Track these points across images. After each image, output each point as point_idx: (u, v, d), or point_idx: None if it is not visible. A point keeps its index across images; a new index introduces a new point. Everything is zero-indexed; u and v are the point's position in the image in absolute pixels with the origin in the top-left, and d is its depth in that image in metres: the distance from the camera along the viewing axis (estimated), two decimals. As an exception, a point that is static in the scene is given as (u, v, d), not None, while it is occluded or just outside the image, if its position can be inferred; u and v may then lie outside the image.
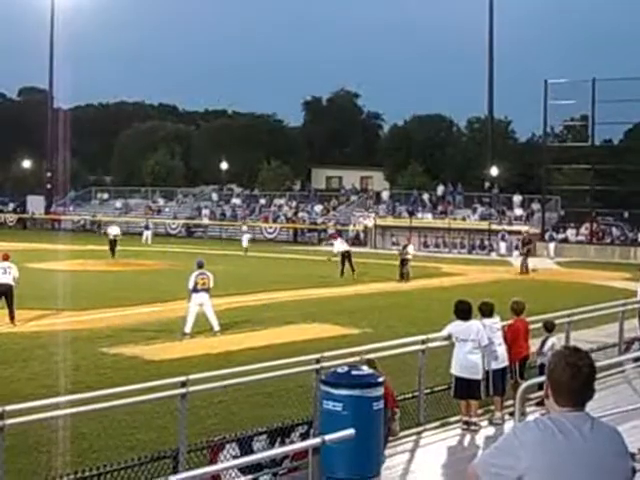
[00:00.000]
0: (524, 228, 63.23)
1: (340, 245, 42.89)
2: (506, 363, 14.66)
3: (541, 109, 65.33)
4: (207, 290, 23.48)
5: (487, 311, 14.77)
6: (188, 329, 22.92)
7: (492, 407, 14.70)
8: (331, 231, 69.09)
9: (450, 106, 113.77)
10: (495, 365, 14.44)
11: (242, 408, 14.61)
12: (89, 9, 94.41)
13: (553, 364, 4.46)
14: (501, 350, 14.60)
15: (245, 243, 58.02)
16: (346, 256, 41.35)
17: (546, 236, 61.28)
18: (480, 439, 13.60)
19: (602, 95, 62.07)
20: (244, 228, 67.10)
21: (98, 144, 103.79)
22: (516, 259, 55.97)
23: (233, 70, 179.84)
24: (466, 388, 14.03)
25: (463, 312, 14.37)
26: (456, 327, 14.31)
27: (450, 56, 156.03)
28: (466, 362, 14.02)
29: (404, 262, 40.33)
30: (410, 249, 41.52)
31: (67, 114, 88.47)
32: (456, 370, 14.14)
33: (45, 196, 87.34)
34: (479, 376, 14.09)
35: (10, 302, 24.59)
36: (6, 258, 25.54)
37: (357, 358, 12.71)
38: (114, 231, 51.36)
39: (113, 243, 50.10)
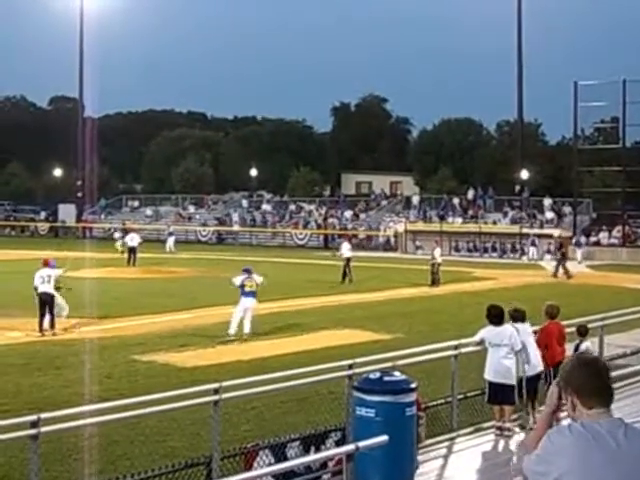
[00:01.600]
0: (555, 232, 63.04)
1: (346, 250, 42.70)
2: (540, 368, 14.55)
3: (571, 111, 65.07)
4: (254, 294, 24.42)
5: (519, 317, 14.72)
6: (232, 330, 23.74)
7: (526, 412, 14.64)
8: (361, 236, 69.09)
9: (479, 109, 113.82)
10: (528, 370, 14.37)
11: (275, 415, 14.63)
12: (118, 18, 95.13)
13: (569, 371, 4.52)
14: (534, 355, 14.52)
15: (170, 245, 60.30)
16: (346, 263, 41.49)
17: (573, 241, 60.63)
18: (514, 445, 13.53)
19: (632, 96, 61.84)
20: (170, 229, 67.69)
21: (128, 152, 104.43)
22: (549, 263, 55.74)
23: (261, 76, 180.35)
24: (500, 393, 13.99)
25: (496, 317, 14.33)
26: (489, 332, 14.27)
27: (479, 58, 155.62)
28: (499, 367, 13.97)
29: (434, 267, 40.32)
30: (437, 253, 41.39)
31: (96, 122, 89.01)
32: (489, 375, 14.09)
33: (76, 204, 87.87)
34: (513, 381, 14.03)
35: (51, 310, 24.82)
36: (46, 264, 25.62)
37: (390, 364, 12.67)
38: (133, 240, 51.34)
39: (132, 251, 50.23)
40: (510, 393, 14.02)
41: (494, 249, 65.07)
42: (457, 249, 64.95)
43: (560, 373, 4.58)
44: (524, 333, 14.49)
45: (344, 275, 41.01)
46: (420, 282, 39.95)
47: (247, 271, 25.04)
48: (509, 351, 14.02)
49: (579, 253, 56.59)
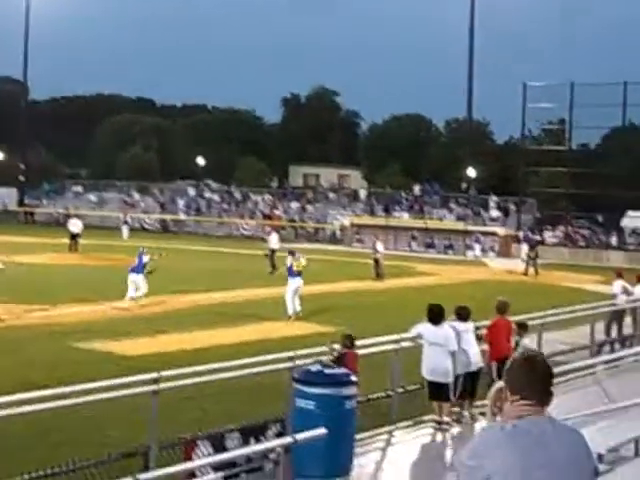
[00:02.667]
0: (500, 230, 63.60)
1: (274, 242, 42.92)
2: (478, 366, 14.71)
3: (520, 112, 65.73)
4: (301, 274, 26.86)
5: (463, 315, 14.86)
6: (290, 310, 26.16)
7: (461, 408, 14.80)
8: (309, 228, 69.09)
9: (429, 106, 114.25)
10: (464, 369, 14.52)
11: (216, 405, 14.63)
12: (65, 1, 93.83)
13: (512, 367, 4.57)
14: (473, 354, 14.68)
15: (125, 233, 60.52)
16: (269, 254, 41.65)
17: (521, 236, 60.95)
18: (451, 438, 13.70)
19: (580, 99, 62.59)
20: (127, 219, 67.50)
21: (74, 137, 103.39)
22: (492, 260, 56.34)
23: (212, 65, 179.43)
24: (437, 390, 14.13)
25: (435, 316, 14.40)
26: (427, 329, 14.35)
27: (430, 56, 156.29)
28: (437, 366, 14.09)
29: (377, 261, 40.51)
30: (379, 247, 41.54)
31: (42, 106, 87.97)
32: (427, 374, 14.22)
33: (18, 188, 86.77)
34: (450, 379, 14.18)
35: None
36: None
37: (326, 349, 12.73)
38: (75, 226, 50.69)
39: (74, 237, 49.63)
40: (447, 390, 14.16)
41: (439, 245, 65.42)
42: (402, 244, 65.18)
43: (505, 370, 4.62)
44: (466, 331, 14.65)
45: (273, 266, 41.00)
46: (364, 276, 40.06)
47: (292, 253, 27.65)
48: (445, 351, 14.12)
49: (524, 249, 56.51)
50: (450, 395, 14.21)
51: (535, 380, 4.48)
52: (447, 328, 14.36)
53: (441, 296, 31.54)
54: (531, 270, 47.62)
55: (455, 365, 14.26)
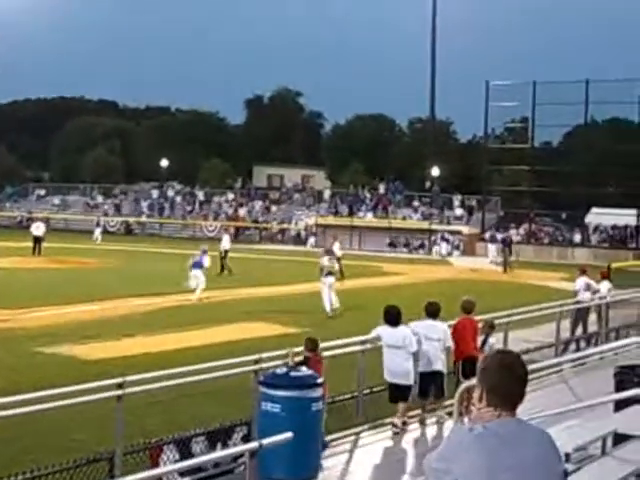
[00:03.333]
0: (464, 229, 63.88)
1: (226, 242, 43.02)
2: (439, 367, 14.65)
3: (482, 110, 65.97)
4: (332, 274, 29.15)
5: (432, 311, 14.84)
6: (328, 308, 27.45)
7: (428, 408, 14.79)
8: (274, 229, 68.96)
9: (392, 106, 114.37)
10: (425, 368, 14.50)
11: (182, 409, 14.51)
12: (25, 4, 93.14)
13: (487, 366, 4.47)
14: (434, 353, 14.64)
15: (97, 236, 61.00)
16: (223, 255, 41.70)
17: (486, 236, 61.36)
18: (413, 440, 13.68)
19: (542, 98, 62.95)
20: (101, 221, 67.76)
21: (36, 139, 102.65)
22: (457, 259, 56.54)
23: (175, 67, 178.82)
24: (398, 393, 14.08)
25: (392, 317, 14.33)
26: (384, 331, 14.29)
27: (392, 56, 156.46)
28: (397, 369, 13.98)
29: (338, 261, 40.45)
30: (336, 248, 41.45)
31: (3, 108, 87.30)
32: (388, 376, 14.16)
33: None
34: (410, 381, 14.13)
35: None
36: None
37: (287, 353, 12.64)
38: (38, 229, 50.26)
39: (38, 241, 49.23)
40: (406, 391, 14.10)
41: (404, 244, 65.56)
42: (368, 244, 65.24)
43: (479, 370, 4.53)
44: (433, 330, 14.59)
45: (222, 267, 40.87)
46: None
47: (328, 252, 30.22)
48: (405, 353, 14.04)
49: (492, 249, 56.87)
50: (408, 396, 14.14)
51: (511, 381, 4.41)
52: (405, 329, 14.27)
53: (407, 296, 31.58)
54: (499, 268, 48.68)
55: (415, 365, 14.21)
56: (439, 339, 14.67)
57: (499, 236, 59.01)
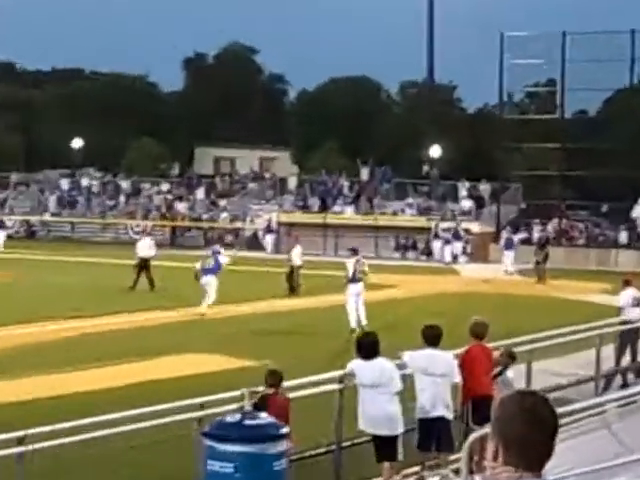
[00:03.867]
0: (473, 226, 63.91)
1: (145, 248, 42.41)
2: (442, 412, 14.53)
3: (496, 71, 65.90)
4: (361, 279, 30.47)
5: (431, 337, 14.75)
6: (353, 324, 28.93)
7: (430, 464, 14.76)
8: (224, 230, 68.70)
9: (377, 66, 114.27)
10: (425, 413, 14.43)
11: (101, 471, 14.42)
12: None
13: (504, 413, 4.40)
14: (436, 393, 14.54)
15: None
16: (143, 264, 41.49)
17: (501, 242, 60.29)
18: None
19: (574, 53, 62.84)
20: (6, 221, 68.29)
21: None
22: (464, 266, 56.60)
23: (90, 17, 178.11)
24: (382, 447, 13.91)
25: (364, 348, 14.15)
26: (358, 367, 14.18)
27: (378, 4, 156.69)
28: (377, 413, 13.86)
29: (292, 271, 40.47)
30: (295, 254, 41.38)
31: None
32: (367, 425, 13.99)
33: None
34: (397, 431, 13.97)
35: None
36: None
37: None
38: None
39: None
40: (392, 445, 13.92)
41: (395, 248, 65.56)
42: (346, 247, 65.12)
43: (495, 417, 4.44)
44: (434, 362, 14.51)
45: (136, 281, 40.82)
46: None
47: (354, 251, 31.90)
48: (386, 393, 13.87)
49: (509, 257, 56.30)
50: (399, 453, 13.95)
51: (536, 433, 4.33)
52: (383, 362, 14.09)
53: (398, 316, 31.63)
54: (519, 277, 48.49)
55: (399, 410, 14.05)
56: (443, 374, 14.57)
57: (536, 235, 59.25)
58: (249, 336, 28.99)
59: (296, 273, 40.70)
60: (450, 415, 14.63)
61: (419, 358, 14.66)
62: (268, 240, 66.00)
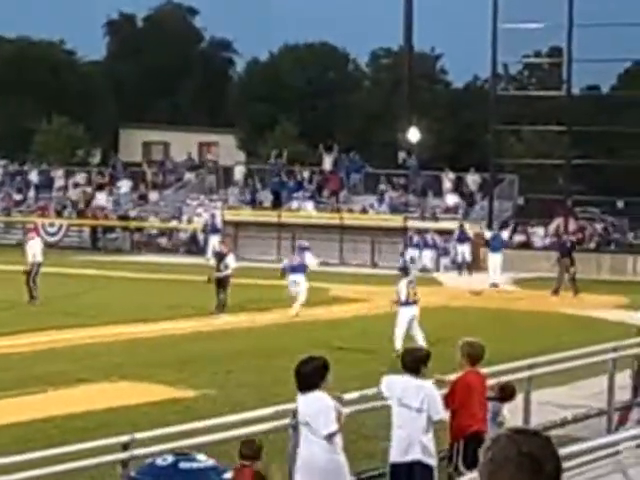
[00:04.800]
0: (468, 226, 63.95)
1: (36, 252, 42.25)
2: (417, 456, 14.48)
3: (488, 37, 65.93)
4: (417, 302, 31.83)
5: (413, 363, 14.69)
6: (399, 346, 29.52)
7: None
8: (154, 230, 68.58)
9: (343, 32, 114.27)
10: (398, 457, 14.39)
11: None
12: None
13: (496, 456, 4.39)
14: (412, 431, 14.49)
15: None
16: (29, 271, 41.35)
17: (487, 235, 59.50)
18: None
19: (584, 16, 62.99)
20: None
21: None
22: (448, 274, 56.71)
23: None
24: None
25: (300, 379, 13.80)
26: (299, 402, 13.98)
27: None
28: (310, 460, 13.63)
29: (221, 283, 40.28)
30: (230, 261, 41.26)
31: None
32: (299, 476, 13.90)
33: None
34: None
35: None
36: None
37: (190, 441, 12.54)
38: None
39: None
40: None
41: (364, 252, 65.63)
42: (305, 251, 65.11)
43: (481, 458, 4.46)
44: (412, 392, 14.47)
45: (31, 292, 40.64)
46: (243, 306, 40.15)
47: (405, 271, 33.34)
48: (315, 434, 13.58)
49: (495, 262, 55.63)
50: None
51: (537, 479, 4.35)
52: (321, 396, 13.62)
53: (365, 336, 31.69)
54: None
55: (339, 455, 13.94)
56: (419, 408, 14.48)
57: (503, 235, 58.53)
58: (181, 360, 28.94)
59: (225, 285, 40.37)
60: (431, 460, 14.53)
61: (395, 384, 14.60)
62: (212, 242, 65.26)
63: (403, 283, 31.80)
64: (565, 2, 62.50)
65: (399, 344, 29.78)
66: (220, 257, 41.67)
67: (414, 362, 14.63)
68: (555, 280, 49.84)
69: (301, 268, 39.21)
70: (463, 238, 60.40)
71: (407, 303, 31.30)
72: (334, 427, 13.54)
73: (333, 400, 13.76)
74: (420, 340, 29.96)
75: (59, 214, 74.71)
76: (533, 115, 67.02)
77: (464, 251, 60.23)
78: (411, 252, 60.86)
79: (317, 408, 13.57)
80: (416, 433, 14.39)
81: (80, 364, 27.97)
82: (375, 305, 43.73)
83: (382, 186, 70.90)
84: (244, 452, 12.75)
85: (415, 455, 14.36)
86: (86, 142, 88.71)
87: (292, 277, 38.74)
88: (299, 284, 38.25)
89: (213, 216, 66.38)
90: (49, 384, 25.14)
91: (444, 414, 14.66)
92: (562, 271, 50.05)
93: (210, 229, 65.63)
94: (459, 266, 59.67)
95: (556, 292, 48.78)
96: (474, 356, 15.54)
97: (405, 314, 31.05)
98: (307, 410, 13.62)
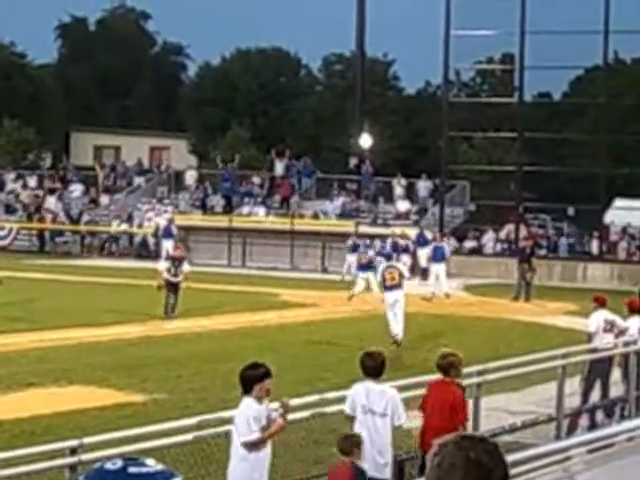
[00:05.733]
0: (413, 231, 63.98)
1: None
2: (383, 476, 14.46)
3: (440, 43, 66.02)
4: (399, 286, 32.30)
5: (374, 368, 14.62)
6: (400, 334, 31.17)
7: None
8: (103, 235, 68.23)
9: (296, 37, 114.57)
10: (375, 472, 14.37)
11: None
12: None
13: (443, 462, 4.38)
14: (379, 438, 14.43)
15: None
16: None
17: (420, 240, 59.13)
18: None
19: (537, 23, 62.98)
20: None
21: None
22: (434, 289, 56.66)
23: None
24: None
25: (241, 384, 13.56)
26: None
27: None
28: (230, 473, 13.47)
29: (174, 287, 40.07)
30: (185, 266, 41.08)
31: None
32: None
33: None
34: None
35: None
36: None
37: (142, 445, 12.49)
38: None
39: None
40: None
41: (314, 258, 65.57)
42: (257, 257, 65.12)
43: (428, 464, 4.45)
44: (376, 397, 14.42)
45: None
46: (194, 311, 40.10)
47: (387, 257, 35.65)
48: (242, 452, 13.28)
49: (439, 273, 54.64)
50: None
51: None
52: (251, 404, 13.31)
53: (316, 341, 31.73)
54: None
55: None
56: (383, 413, 14.44)
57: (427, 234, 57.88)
58: (131, 365, 28.88)
59: (177, 289, 40.15)
60: (383, 474, 14.46)
61: (359, 393, 14.49)
62: (166, 246, 64.60)
63: (381, 268, 33.80)
64: (517, 9, 62.68)
65: (393, 327, 31.65)
66: (176, 262, 41.40)
67: (375, 367, 14.52)
68: (514, 286, 49.82)
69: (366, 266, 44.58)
70: (423, 242, 59.78)
71: (386, 287, 32.65)
72: (256, 435, 13.20)
73: (267, 408, 13.41)
74: (393, 327, 31.56)
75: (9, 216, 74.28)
76: (485, 122, 67.18)
77: (422, 256, 59.38)
78: (350, 258, 60.11)
79: (238, 414, 13.42)
80: (383, 439, 14.31)
81: (29, 368, 27.84)
82: (325, 310, 43.83)
83: (334, 191, 70.95)
84: (342, 447, 12.86)
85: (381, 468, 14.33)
86: (36, 145, 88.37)
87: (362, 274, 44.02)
88: (370, 282, 42.54)
89: (170, 221, 65.91)
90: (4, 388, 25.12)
91: (405, 419, 14.56)
92: (521, 277, 50.09)
93: (164, 234, 65.26)
94: (423, 271, 59.10)
95: (516, 299, 48.70)
96: (444, 365, 15.54)
97: (387, 298, 32.45)
98: (236, 416, 13.49)
